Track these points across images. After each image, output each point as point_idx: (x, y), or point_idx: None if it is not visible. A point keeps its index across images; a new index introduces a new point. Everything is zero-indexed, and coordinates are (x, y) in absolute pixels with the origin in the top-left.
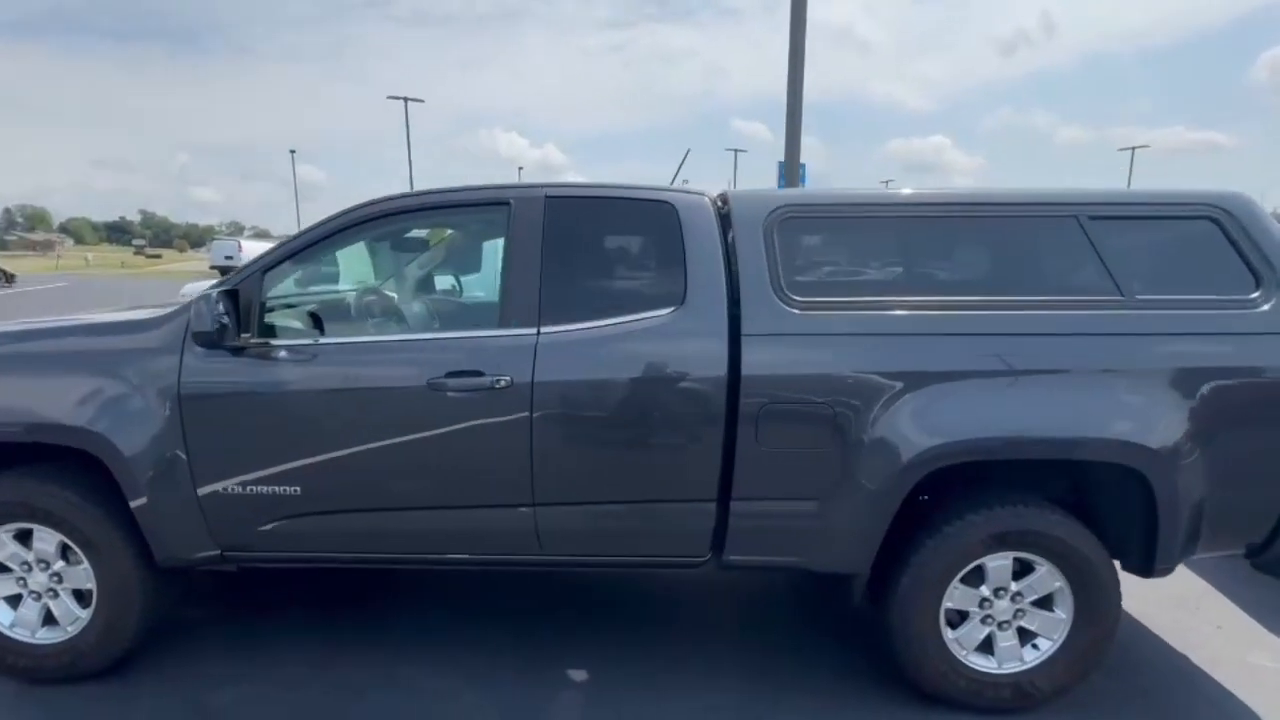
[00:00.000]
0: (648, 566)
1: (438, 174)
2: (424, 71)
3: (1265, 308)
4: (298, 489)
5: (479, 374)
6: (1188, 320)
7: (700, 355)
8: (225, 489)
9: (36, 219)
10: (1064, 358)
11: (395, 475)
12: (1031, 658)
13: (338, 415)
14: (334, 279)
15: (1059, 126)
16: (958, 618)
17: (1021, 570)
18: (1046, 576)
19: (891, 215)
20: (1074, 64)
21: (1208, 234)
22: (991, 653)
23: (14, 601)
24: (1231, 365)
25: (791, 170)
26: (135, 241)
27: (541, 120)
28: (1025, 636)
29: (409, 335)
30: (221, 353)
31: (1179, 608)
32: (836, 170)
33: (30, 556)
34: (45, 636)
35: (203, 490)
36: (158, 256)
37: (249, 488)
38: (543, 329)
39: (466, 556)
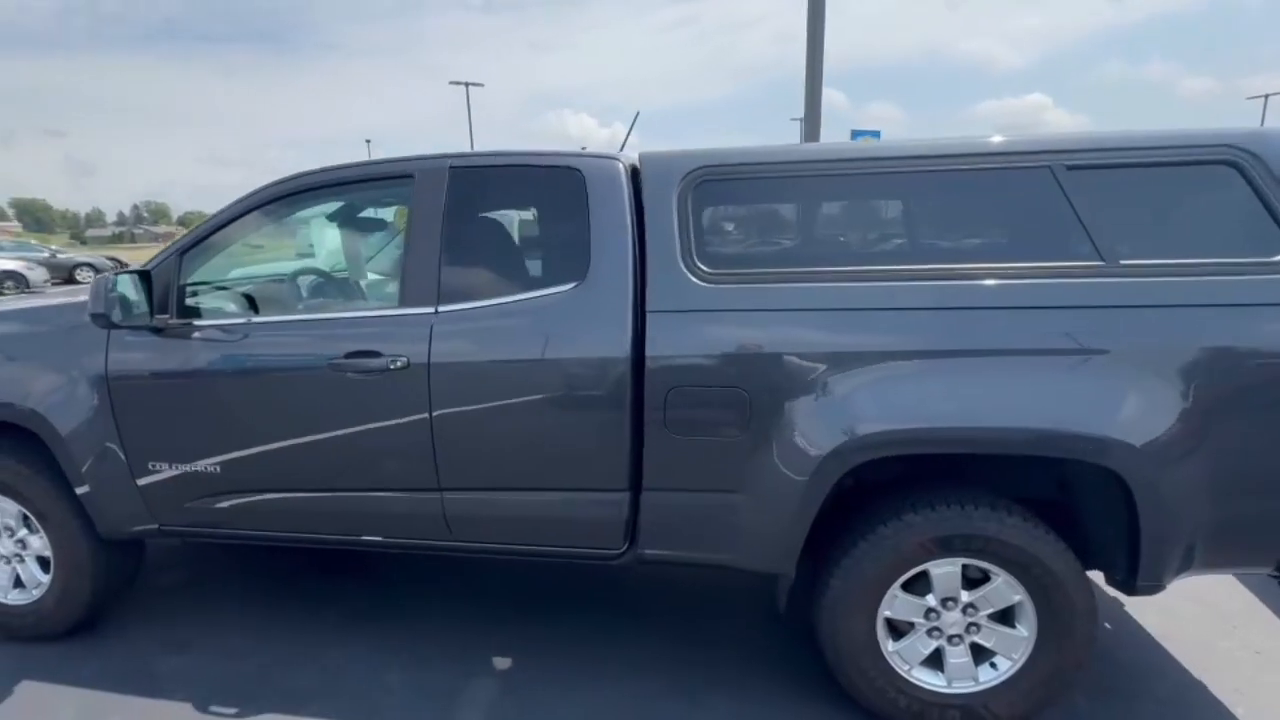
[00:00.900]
0: (561, 558)
1: None
2: (495, 57)
3: None
4: (217, 468)
5: (376, 355)
6: (1185, 289)
7: (602, 334)
8: (154, 466)
9: (159, 213)
10: (1020, 335)
11: (304, 457)
12: (988, 678)
13: (248, 396)
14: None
15: (1182, 77)
16: (902, 628)
17: (980, 579)
18: (1003, 588)
19: (827, 174)
20: (1199, 6)
21: (1227, 182)
22: (941, 669)
23: None
24: (1245, 345)
25: (812, 138)
26: None
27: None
28: (982, 654)
29: (315, 315)
30: (145, 334)
31: (1214, 625)
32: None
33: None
34: (15, 598)
35: (134, 466)
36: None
37: (174, 465)
38: (441, 307)
39: (380, 539)
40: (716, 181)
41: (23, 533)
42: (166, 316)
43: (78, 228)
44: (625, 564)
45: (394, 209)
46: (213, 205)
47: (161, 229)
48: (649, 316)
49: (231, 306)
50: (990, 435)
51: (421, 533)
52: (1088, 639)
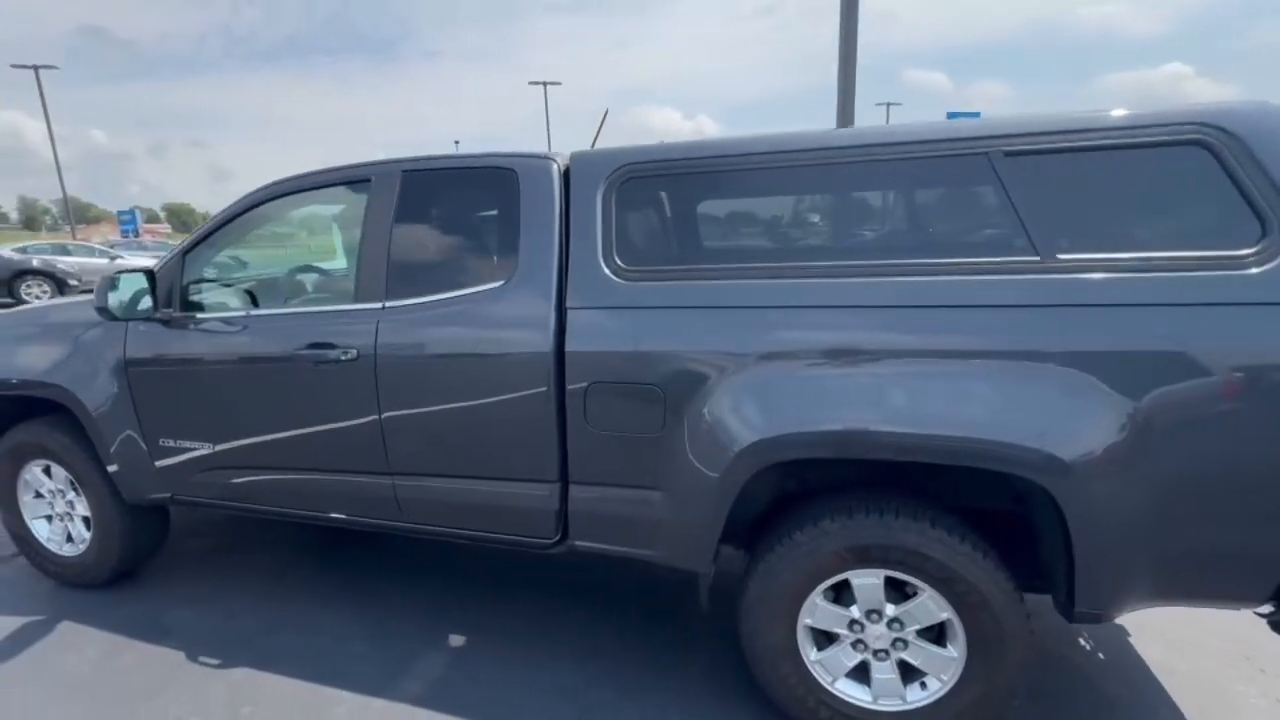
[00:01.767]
0: (502, 544)
1: None
2: (581, 55)
3: (1265, 267)
4: (210, 447)
5: (331, 346)
6: (1132, 287)
7: (527, 330)
8: (163, 442)
9: None
10: (941, 336)
11: (278, 440)
12: (916, 698)
13: (231, 383)
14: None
15: None
16: (826, 638)
17: (907, 593)
18: (929, 604)
19: (749, 167)
20: None
21: (1197, 166)
22: (868, 683)
23: (48, 521)
24: (1205, 350)
25: (845, 124)
26: None
27: (694, 91)
28: (912, 673)
29: (288, 310)
30: (156, 326)
31: (1233, 665)
32: None
33: (53, 486)
34: (68, 551)
35: (149, 441)
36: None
37: (178, 442)
38: (387, 303)
39: (344, 517)
40: (641, 178)
41: (71, 495)
42: (171, 310)
43: None
44: (561, 553)
45: None
46: None
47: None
48: (569, 313)
49: (234, 302)
50: (900, 441)
51: (378, 514)
52: (1018, 666)
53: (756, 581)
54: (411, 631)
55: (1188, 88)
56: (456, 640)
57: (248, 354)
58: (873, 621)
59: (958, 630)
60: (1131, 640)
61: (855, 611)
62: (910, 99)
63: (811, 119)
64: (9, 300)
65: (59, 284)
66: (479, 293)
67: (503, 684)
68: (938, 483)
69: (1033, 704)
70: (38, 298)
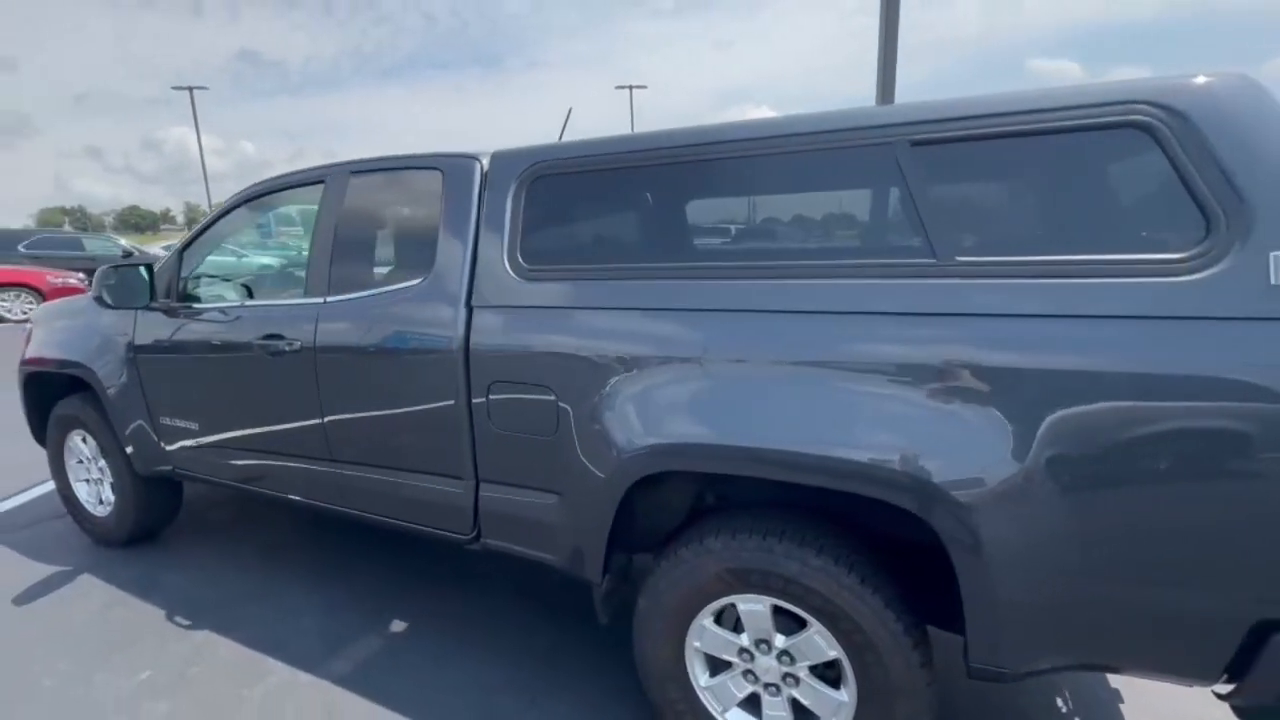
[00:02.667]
0: (428, 536)
1: None
2: (681, 58)
3: (1201, 274)
4: (196, 425)
5: (281, 337)
6: (1031, 295)
7: (437, 327)
8: (163, 419)
9: None
10: (819, 345)
11: (241, 421)
12: None
13: (210, 368)
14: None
15: None
16: (719, 665)
17: (801, 624)
18: (818, 640)
19: (664, 162)
20: None
21: (1137, 152)
22: (759, 717)
23: (87, 485)
24: (1111, 372)
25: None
26: None
27: (794, 90)
28: (808, 712)
29: (253, 302)
30: (157, 314)
31: None
32: None
33: (88, 453)
34: (100, 512)
35: (153, 419)
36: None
37: (173, 420)
38: (328, 298)
39: (300, 499)
40: (549, 177)
41: (102, 462)
42: (169, 300)
43: None
44: (478, 549)
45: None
46: None
47: None
48: (474, 311)
49: (227, 294)
50: (770, 457)
51: (325, 498)
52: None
53: (645, 597)
54: (356, 613)
55: None
56: (398, 626)
57: (221, 342)
58: (762, 652)
59: (848, 672)
60: (1127, 707)
61: (745, 639)
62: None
63: None
64: None
65: None
66: (399, 290)
67: (429, 674)
68: (858, 508)
69: None
70: None
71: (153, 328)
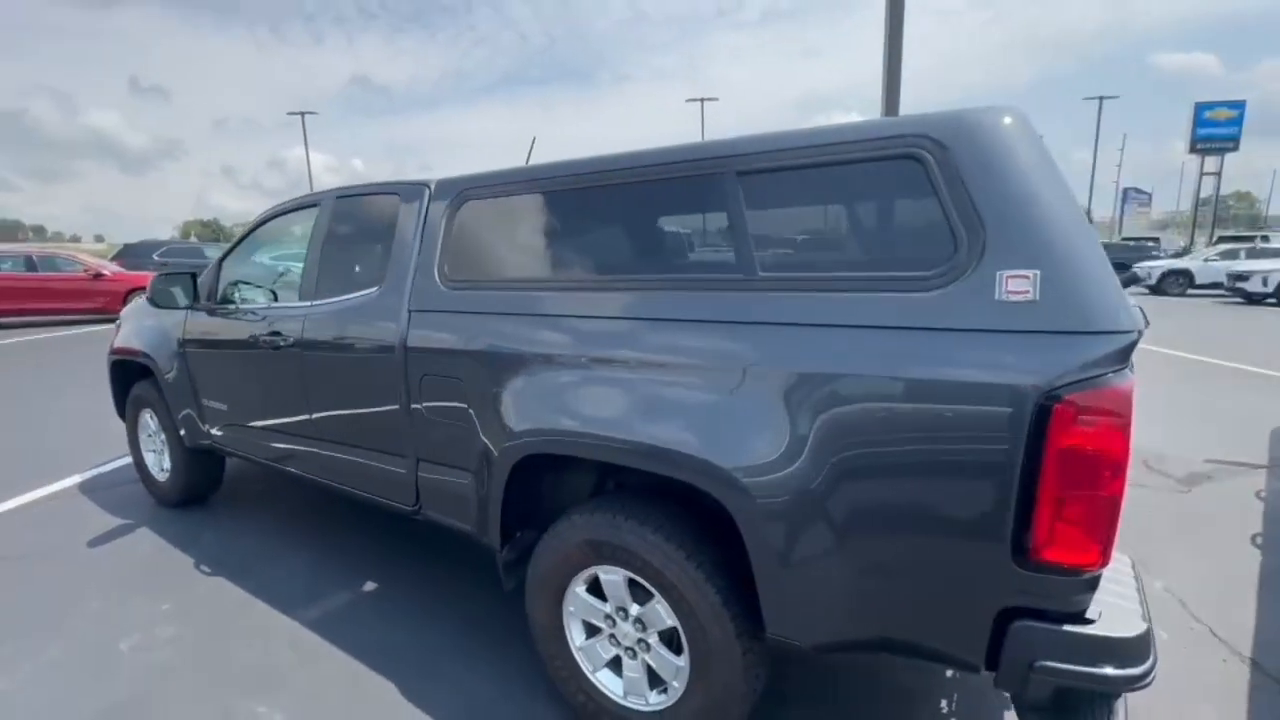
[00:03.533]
0: (386, 508)
1: None
2: (765, 68)
3: (939, 290)
4: (225, 406)
5: (280, 335)
6: (812, 306)
7: (385, 328)
8: (205, 401)
9: None
10: (653, 348)
11: (256, 405)
12: (656, 702)
13: (232, 359)
14: None
15: None
16: (590, 629)
17: (650, 595)
18: (659, 608)
19: (553, 189)
20: None
21: (912, 180)
22: (621, 676)
23: (153, 454)
24: (867, 376)
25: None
26: None
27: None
28: (657, 677)
29: (265, 304)
30: (200, 313)
31: None
32: None
33: (154, 427)
34: (161, 475)
35: (198, 399)
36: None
37: (210, 401)
38: (314, 302)
39: (297, 472)
40: (471, 201)
41: (163, 436)
42: (210, 302)
43: None
44: (422, 520)
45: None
46: None
47: None
48: (412, 315)
49: (256, 298)
50: (593, 441)
51: (313, 471)
52: (728, 689)
53: (531, 565)
54: (340, 572)
55: None
56: (370, 586)
57: (242, 338)
58: (621, 619)
59: (683, 638)
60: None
61: (609, 607)
62: (1166, 87)
63: (1039, 116)
64: None
65: None
66: (362, 296)
67: (379, 631)
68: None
69: None
70: None
71: (196, 325)
